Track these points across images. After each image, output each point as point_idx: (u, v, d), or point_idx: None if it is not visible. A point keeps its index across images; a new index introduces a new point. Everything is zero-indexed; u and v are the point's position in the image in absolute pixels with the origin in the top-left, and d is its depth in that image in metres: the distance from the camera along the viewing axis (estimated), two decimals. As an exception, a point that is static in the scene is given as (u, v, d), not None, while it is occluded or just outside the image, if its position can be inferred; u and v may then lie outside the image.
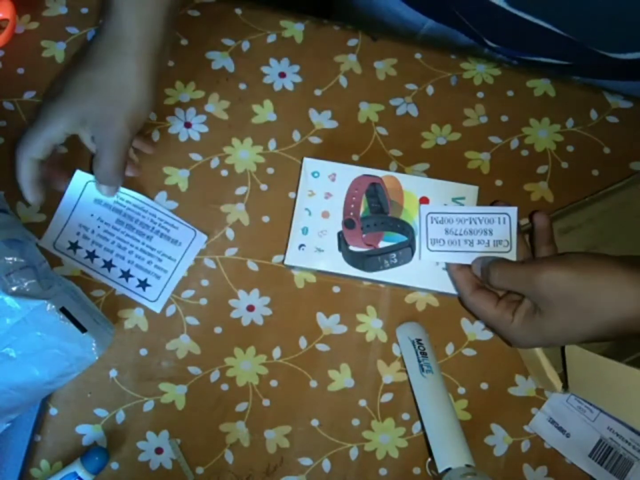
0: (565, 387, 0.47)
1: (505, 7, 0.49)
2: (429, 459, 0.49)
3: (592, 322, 0.40)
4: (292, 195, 0.53)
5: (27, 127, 0.47)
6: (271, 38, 0.56)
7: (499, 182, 0.54)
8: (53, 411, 0.50)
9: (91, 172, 0.51)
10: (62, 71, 0.54)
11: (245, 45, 0.56)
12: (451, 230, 0.47)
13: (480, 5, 0.50)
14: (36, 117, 0.47)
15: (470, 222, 0.47)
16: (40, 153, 0.46)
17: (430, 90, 0.55)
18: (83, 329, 0.45)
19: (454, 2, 0.55)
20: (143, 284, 0.51)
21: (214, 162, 0.54)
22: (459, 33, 0.61)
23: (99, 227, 0.51)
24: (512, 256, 0.46)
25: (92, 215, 0.51)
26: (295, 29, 0.56)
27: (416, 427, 0.50)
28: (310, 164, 0.51)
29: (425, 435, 0.49)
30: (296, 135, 0.54)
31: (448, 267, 0.48)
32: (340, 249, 0.49)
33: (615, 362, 0.41)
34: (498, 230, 0.46)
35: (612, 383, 0.42)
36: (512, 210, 0.46)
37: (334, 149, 0.54)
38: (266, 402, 0.51)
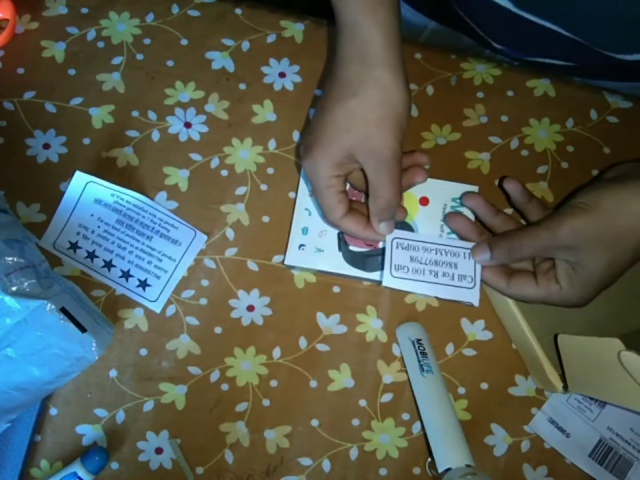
0: (566, 387, 0.47)
1: (512, 9, 0.49)
2: (429, 459, 0.49)
3: (630, 244, 0.41)
4: (292, 195, 0.53)
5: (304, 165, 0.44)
6: (271, 38, 0.56)
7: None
8: (53, 411, 0.50)
9: (91, 173, 0.52)
10: (315, 111, 0.46)
11: (245, 45, 0.56)
12: (416, 258, 0.46)
13: (486, 7, 0.50)
14: (302, 157, 0.44)
15: (436, 253, 0.47)
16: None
17: (430, 90, 0.55)
18: (83, 329, 0.45)
19: (459, 4, 0.54)
20: (143, 284, 0.51)
21: (214, 162, 0.54)
22: (462, 35, 0.61)
23: (99, 227, 0.51)
24: (475, 293, 0.45)
25: (92, 215, 0.51)
26: (295, 29, 0.56)
27: (416, 427, 0.50)
28: (310, 164, 0.51)
29: (425, 435, 0.49)
30: (296, 135, 0.54)
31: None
32: (340, 249, 0.49)
33: (605, 339, 0.41)
34: (463, 265, 0.46)
35: (606, 366, 0.42)
36: None
37: (334, 149, 0.54)
38: (266, 402, 0.51)
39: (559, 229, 0.42)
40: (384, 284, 0.46)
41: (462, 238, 0.48)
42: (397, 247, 0.47)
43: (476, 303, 0.46)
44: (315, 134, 0.43)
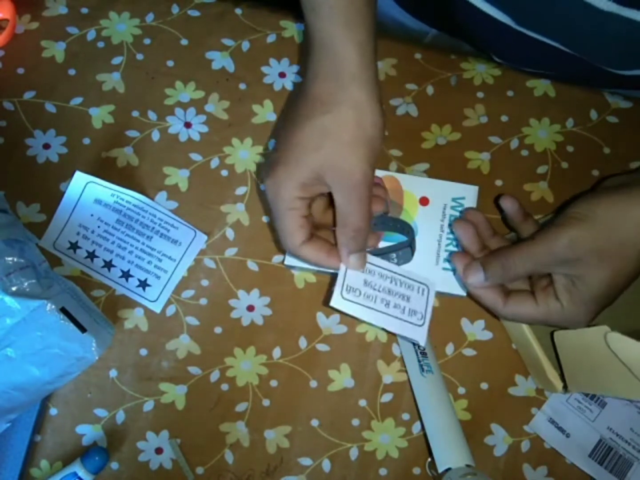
0: (565, 387, 0.47)
1: (513, 26, 0.49)
2: (429, 459, 0.49)
3: (633, 256, 0.39)
4: (292, 195, 0.53)
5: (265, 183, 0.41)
6: (271, 38, 0.56)
7: (499, 182, 0.54)
8: (53, 411, 0.50)
9: (91, 173, 0.52)
10: (279, 126, 0.49)
11: (245, 45, 0.56)
12: (370, 283, 0.43)
13: (487, 23, 0.50)
14: (265, 175, 0.41)
15: (392, 282, 0.44)
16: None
17: (430, 90, 0.55)
18: (83, 329, 0.45)
19: (460, 18, 0.54)
20: (143, 284, 0.51)
21: (214, 162, 0.54)
22: (463, 43, 0.61)
23: (99, 227, 0.51)
24: (422, 332, 0.43)
25: (92, 215, 0.51)
26: (295, 29, 0.56)
27: (416, 427, 0.50)
28: (310, 164, 0.51)
29: (425, 435, 0.49)
30: (296, 135, 0.54)
31: (467, 288, 0.44)
32: (340, 249, 0.49)
33: (594, 327, 0.41)
34: (415, 299, 0.44)
35: (598, 355, 0.42)
36: (432, 285, 0.45)
37: (334, 149, 0.54)
38: (266, 402, 0.51)
39: (555, 241, 0.40)
40: (332, 304, 0.42)
41: (463, 247, 0.46)
42: None
43: (422, 343, 0.43)
44: (282, 152, 0.40)
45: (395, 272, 0.44)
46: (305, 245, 0.41)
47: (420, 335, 0.43)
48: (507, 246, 0.43)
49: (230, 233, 0.53)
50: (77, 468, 0.47)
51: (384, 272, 0.44)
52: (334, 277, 0.51)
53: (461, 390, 0.51)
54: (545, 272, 0.43)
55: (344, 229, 0.41)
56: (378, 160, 0.40)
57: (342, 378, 0.51)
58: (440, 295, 0.51)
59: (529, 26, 0.49)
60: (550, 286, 0.42)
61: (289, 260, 0.49)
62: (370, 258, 0.44)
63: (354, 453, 0.50)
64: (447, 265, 0.48)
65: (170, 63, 0.55)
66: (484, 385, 0.51)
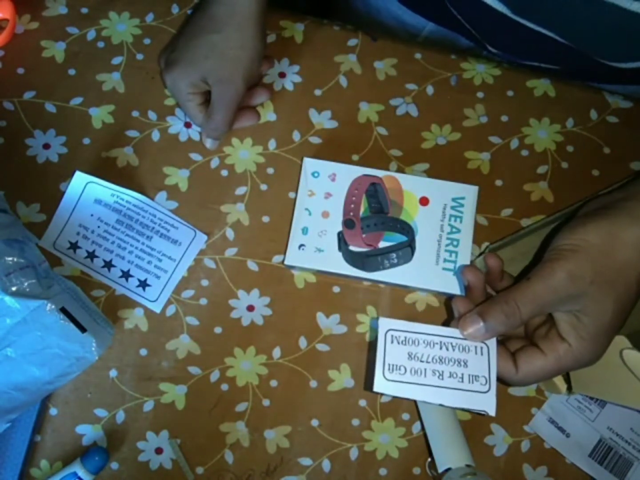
0: (569, 389, 0.47)
1: (509, 15, 0.49)
2: (429, 459, 0.49)
3: (632, 279, 0.38)
4: (292, 195, 0.53)
5: (165, 74, 0.51)
6: (271, 38, 0.56)
7: (499, 182, 0.54)
8: (53, 411, 0.50)
9: (91, 173, 0.52)
10: (179, 33, 0.55)
11: (245, 45, 0.56)
12: (416, 355, 0.38)
13: (484, 11, 0.50)
14: (165, 70, 0.51)
15: (441, 348, 0.38)
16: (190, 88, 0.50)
17: (430, 90, 0.55)
18: (83, 329, 0.45)
19: (457, 7, 0.55)
20: (143, 284, 0.51)
21: (214, 162, 0.54)
22: (460, 36, 0.61)
23: (99, 227, 0.51)
24: (490, 399, 0.38)
25: (92, 215, 0.51)
26: (295, 29, 0.56)
27: (416, 427, 0.50)
28: (310, 164, 0.51)
29: (425, 435, 0.49)
30: (296, 135, 0.54)
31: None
32: (340, 249, 0.49)
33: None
34: (475, 362, 0.38)
35: (609, 364, 0.41)
36: (492, 342, 0.39)
37: (334, 149, 0.54)
38: (266, 402, 0.51)
39: (553, 276, 0.38)
40: (376, 389, 0.38)
41: (469, 295, 0.42)
42: (392, 342, 0.39)
43: (492, 412, 0.38)
44: (178, 54, 0.50)
45: (444, 336, 0.39)
46: (205, 121, 0.51)
47: (489, 404, 0.38)
48: (503, 292, 0.40)
49: (230, 233, 0.53)
50: (77, 468, 0.47)
51: (430, 338, 0.39)
52: (333, 277, 0.51)
53: (461, 390, 0.51)
54: (547, 313, 0.41)
55: (209, 121, 0.50)
56: (254, 78, 0.51)
57: (342, 378, 0.51)
58: (440, 295, 0.52)
59: (525, 15, 0.49)
60: (552, 330, 0.40)
61: (289, 260, 0.49)
62: (412, 325, 0.40)
63: (354, 453, 0.50)
64: (447, 265, 0.48)
65: (170, 63, 0.55)
66: (484, 385, 0.51)
